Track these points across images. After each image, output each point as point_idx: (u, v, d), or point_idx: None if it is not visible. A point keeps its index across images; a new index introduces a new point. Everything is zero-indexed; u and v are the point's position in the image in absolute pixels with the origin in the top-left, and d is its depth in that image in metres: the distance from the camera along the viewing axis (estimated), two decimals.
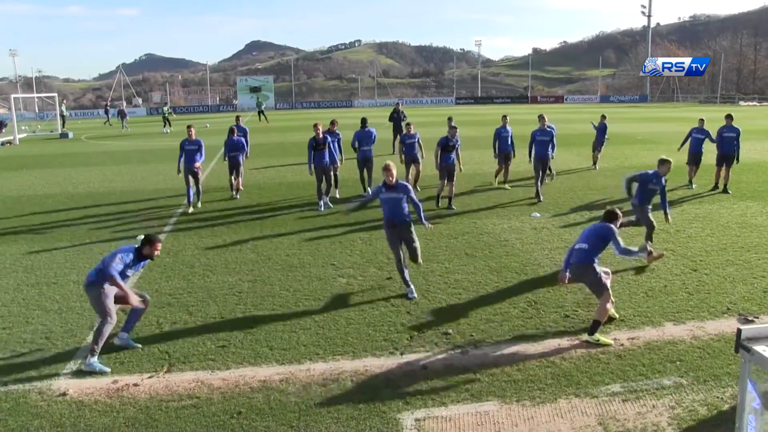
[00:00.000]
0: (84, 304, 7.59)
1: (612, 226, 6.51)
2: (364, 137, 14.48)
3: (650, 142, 25.16)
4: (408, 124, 14.59)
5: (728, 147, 13.87)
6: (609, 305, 6.29)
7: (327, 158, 12.94)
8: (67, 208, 13.87)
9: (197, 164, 12.92)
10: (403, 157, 14.17)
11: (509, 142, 14.98)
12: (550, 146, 13.61)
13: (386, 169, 7.47)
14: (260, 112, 44.65)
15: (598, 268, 6.35)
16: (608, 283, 6.44)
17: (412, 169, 14.36)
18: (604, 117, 18.00)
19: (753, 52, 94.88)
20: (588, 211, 12.38)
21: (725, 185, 13.92)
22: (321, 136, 12.88)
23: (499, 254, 9.38)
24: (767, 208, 12.32)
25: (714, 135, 14.34)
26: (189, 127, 13.16)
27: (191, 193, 12.99)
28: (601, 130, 17.78)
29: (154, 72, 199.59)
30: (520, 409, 5.02)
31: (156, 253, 6.18)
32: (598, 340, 6.15)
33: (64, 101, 47.42)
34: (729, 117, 14.12)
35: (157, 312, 7.27)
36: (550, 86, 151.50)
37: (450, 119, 16.07)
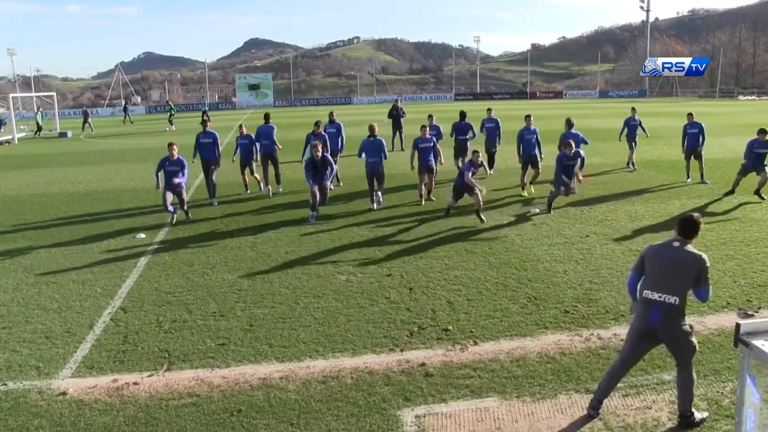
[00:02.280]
0: (84, 303, 7.60)
1: None
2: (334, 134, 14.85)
3: (651, 136, 25.05)
4: (423, 127, 12.94)
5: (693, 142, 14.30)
6: None
7: (326, 174, 11.73)
8: (66, 206, 13.85)
9: (177, 180, 11.48)
10: (416, 164, 12.81)
11: (534, 145, 13.54)
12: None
13: None
14: (170, 116, 41.69)
15: None
16: None
17: (426, 180, 12.93)
18: (633, 110, 17.23)
19: (752, 46, 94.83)
20: (587, 206, 12.36)
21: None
22: (320, 155, 11.52)
23: (499, 250, 9.38)
24: (766, 202, 12.31)
25: (705, 128, 14.64)
26: (170, 145, 11.69)
27: (171, 209, 11.61)
28: (633, 126, 16.91)
29: (152, 70, 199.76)
30: (521, 405, 5.02)
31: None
32: None
33: (41, 109, 42.36)
34: (690, 115, 14.41)
35: (157, 310, 7.27)
36: (549, 82, 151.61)
37: (431, 117, 15.25)
